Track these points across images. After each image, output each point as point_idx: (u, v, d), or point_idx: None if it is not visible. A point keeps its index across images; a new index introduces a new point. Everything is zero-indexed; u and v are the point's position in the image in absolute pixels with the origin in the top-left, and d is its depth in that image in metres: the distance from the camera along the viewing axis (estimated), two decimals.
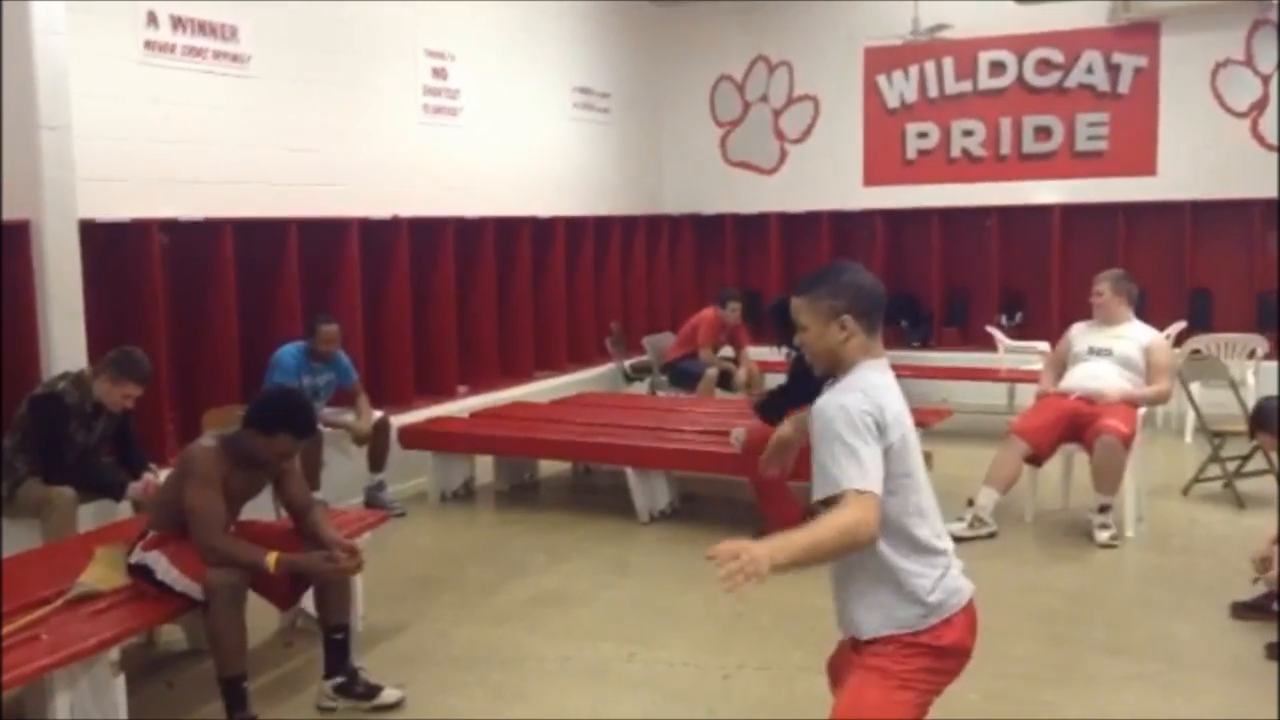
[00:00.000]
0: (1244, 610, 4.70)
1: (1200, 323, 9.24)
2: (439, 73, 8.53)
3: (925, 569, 2.53)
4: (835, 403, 2.48)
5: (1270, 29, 9.28)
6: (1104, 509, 5.84)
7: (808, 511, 2.50)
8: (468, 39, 8.77)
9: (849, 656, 2.65)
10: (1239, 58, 9.45)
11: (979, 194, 10.38)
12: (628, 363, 9.82)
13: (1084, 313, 9.75)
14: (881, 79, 10.77)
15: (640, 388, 9.68)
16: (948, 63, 10.46)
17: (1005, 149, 10.38)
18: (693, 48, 11.45)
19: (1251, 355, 8.33)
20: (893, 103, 10.75)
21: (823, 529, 2.35)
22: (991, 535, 5.94)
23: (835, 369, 2.59)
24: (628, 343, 10.04)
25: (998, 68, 10.33)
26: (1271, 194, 9.23)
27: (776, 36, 11.15)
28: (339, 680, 4.00)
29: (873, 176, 10.89)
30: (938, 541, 2.56)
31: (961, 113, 10.50)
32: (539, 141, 9.69)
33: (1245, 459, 6.65)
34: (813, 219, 11.00)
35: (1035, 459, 6.06)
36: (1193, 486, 6.76)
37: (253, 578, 3.82)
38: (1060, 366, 6.40)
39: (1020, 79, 10.26)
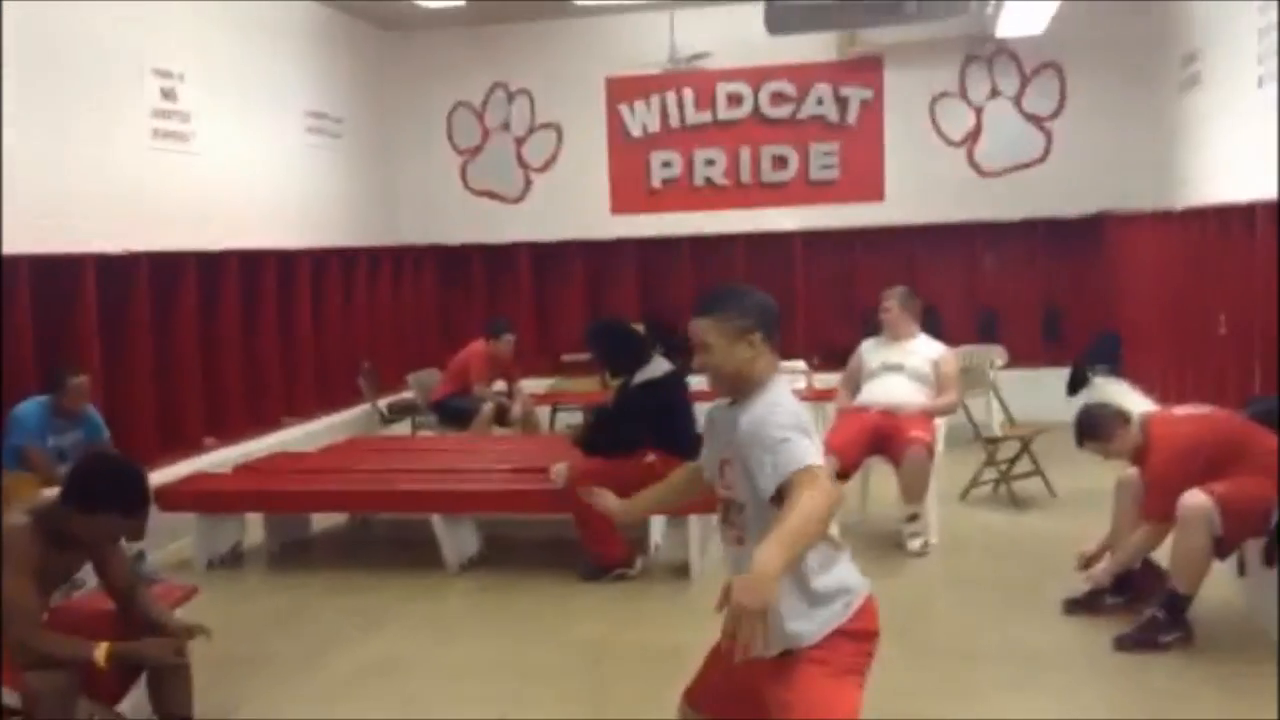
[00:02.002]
0: (1075, 606, 4.93)
1: (933, 338, 9.80)
2: (168, 94, 7.75)
3: (836, 562, 2.58)
4: (763, 408, 2.51)
5: (981, 64, 10.06)
6: (913, 518, 6.02)
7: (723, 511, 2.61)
8: (197, 57, 8.03)
9: (744, 674, 2.52)
10: (954, 90, 10.18)
11: (723, 221, 10.62)
12: (383, 403, 9.29)
13: (826, 334, 10.36)
14: (624, 108, 10.82)
15: (400, 429, 9.17)
16: (688, 93, 10.66)
17: (746, 177, 10.68)
18: (427, 73, 11.08)
19: (992, 366, 8.93)
20: (636, 132, 10.83)
21: (799, 519, 2.29)
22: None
23: (740, 389, 2.60)
24: (379, 382, 9.50)
25: (735, 99, 10.62)
26: (987, 217, 9.99)
27: (515, 64, 10.97)
28: None
29: (620, 205, 10.92)
30: (836, 536, 2.64)
31: (703, 142, 10.72)
32: (274, 168, 9.04)
33: (1012, 462, 7.08)
34: (564, 248, 10.88)
35: (843, 473, 6.16)
36: (970, 491, 7.12)
37: (81, 677, 3.18)
38: (854, 382, 6.57)
39: (756, 110, 10.60)
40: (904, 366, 6.35)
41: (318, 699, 4.47)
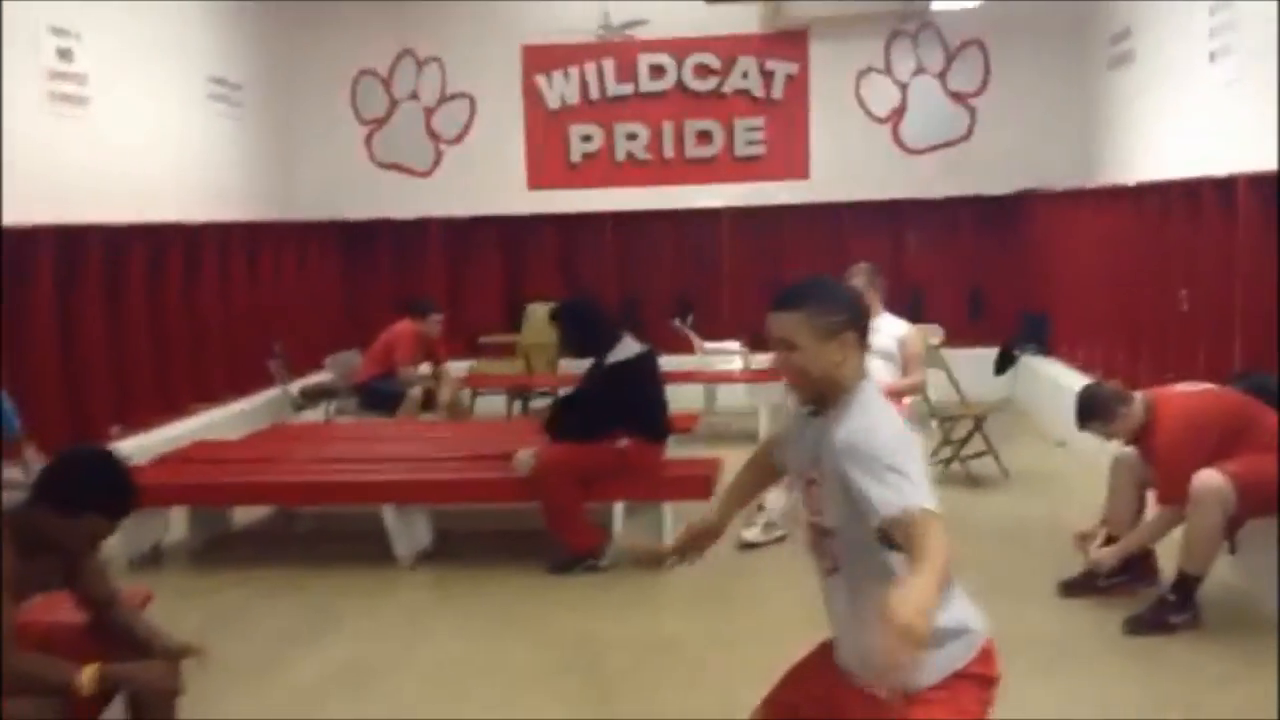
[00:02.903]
0: (1072, 588, 4.83)
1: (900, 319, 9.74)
2: (65, 54, 7.07)
3: (953, 598, 2.29)
4: (862, 424, 2.21)
5: (906, 39, 9.98)
6: None
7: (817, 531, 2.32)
8: (94, 14, 7.35)
9: (846, 706, 2.34)
10: (879, 66, 10.09)
11: (646, 198, 10.32)
12: (295, 386, 8.74)
13: (753, 314, 10.14)
14: (541, 79, 10.42)
15: (314, 415, 8.64)
16: (608, 64, 10.32)
17: (669, 153, 10.40)
18: (330, 39, 10.46)
19: (927, 344, 8.85)
20: (554, 103, 10.44)
21: (939, 560, 1.99)
22: (781, 539, 5.77)
23: (826, 396, 2.30)
24: (291, 364, 8.94)
25: (658, 71, 10.33)
26: (913, 195, 9.95)
27: (424, 31, 10.44)
28: None
29: (538, 179, 10.52)
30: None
31: (624, 115, 10.40)
32: (174, 137, 8.40)
33: (965, 441, 7.00)
34: (478, 225, 10.44)
35: None
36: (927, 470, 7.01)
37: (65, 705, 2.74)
38: None
39: (680, 83, 10.33)
40: (870, 346, 6.16)
41: (286, 708, 4.06)
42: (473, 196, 10.41)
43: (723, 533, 2.72)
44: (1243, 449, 4.38)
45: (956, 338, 9.44)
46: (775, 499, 5.79)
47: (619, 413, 5.36)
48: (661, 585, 5.29)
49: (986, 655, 2.29)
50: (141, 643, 2.98)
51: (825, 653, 2.47)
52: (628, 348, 5.46)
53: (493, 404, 9.46)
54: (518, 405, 9.58)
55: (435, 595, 5.28)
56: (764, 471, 2.74)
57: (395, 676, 4.34)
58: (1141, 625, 4.40)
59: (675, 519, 5.53)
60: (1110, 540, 4.67)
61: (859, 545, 2.22)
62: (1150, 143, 7.89)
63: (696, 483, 5.44)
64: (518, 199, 10.49)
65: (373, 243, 10.56)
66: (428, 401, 8.06)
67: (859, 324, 2.32)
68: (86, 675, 2.73)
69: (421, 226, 10.48)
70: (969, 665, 2.26)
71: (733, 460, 6.14)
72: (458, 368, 9.17)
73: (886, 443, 2.17)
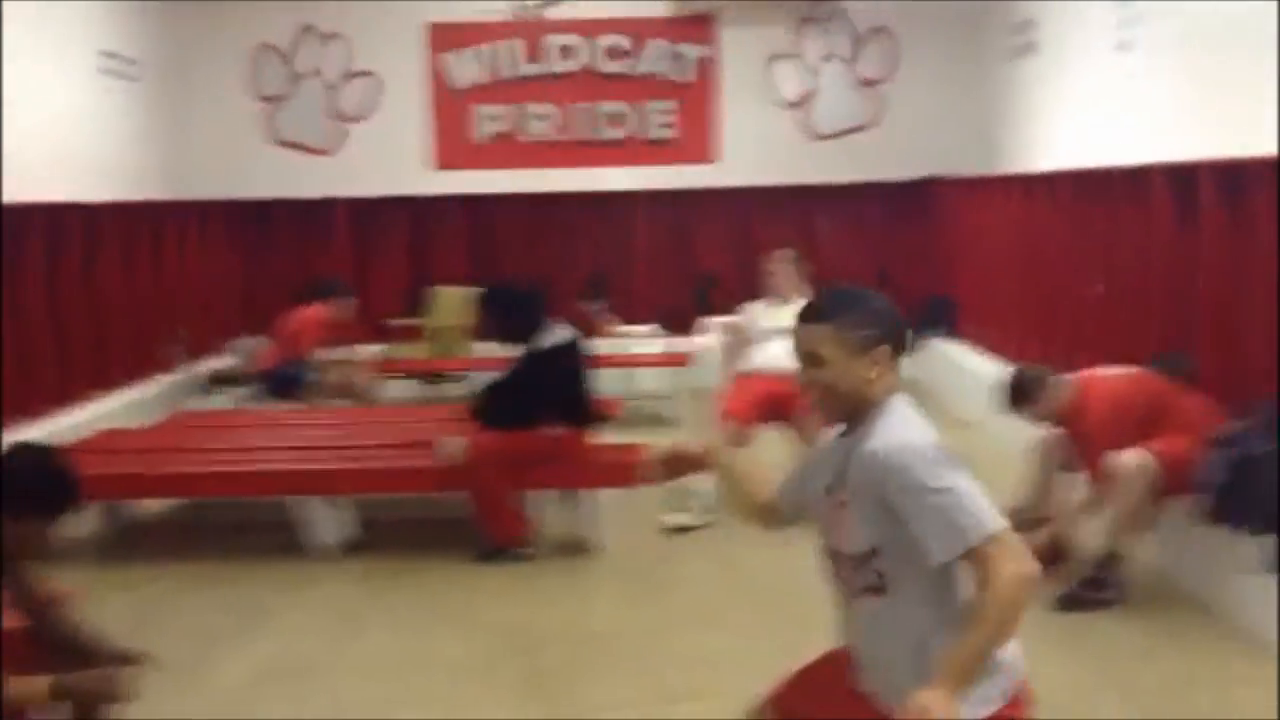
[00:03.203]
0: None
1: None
2: None
3: None
4: (892, 441, 2.09)
5: (817, 25, 10.04)
6: None
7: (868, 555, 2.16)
8: None
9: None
10: (790, 51, 10.14)
11: (555, 180, 10.21)
12: (202, 370, 8.44)
13: (665, 297, 10.18)
14: (448, 57, 10.22)
15: (222, 401, 8.36)
16: (517, 44, 10.17)
17: (579, 134, 10.30)
18: (228, 12, 10.07)
19: None
20: (461, 83, 10.25)
21: (998, 611, 1.97)
22: (711, 523, 5.77)
23: (851, 414, 2.19)
24: (192, 349, 8.63)
25: (567, 51, 10.21)
26: (822, 179, 10.03)
27: (327, 6, 10.14)
28: None
29: (445, 160, 10.32)
30: None
31: (533, 96, 10.25)
32: (64, 112, 8.00)
33: None
34: (383, 206, 10.21)
35: (741, 441, 5.99)
36: None
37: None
38: (742, 347, 6.40)
39: (590, 64, 10.23)
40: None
41: (219, 709, 3.92)
42: (377, 176, 10.17)
43: (707, 468, 2.59)
44: (1164, 430, 4.53)
45: None
46: (702, 483, 5.79)
47: (549, 400, 5.29)
48: (592, 573, 5.26)
49: (1020, 700, 2.19)
50: (85, 649, 2.83)
51: (839, 665, 2.36)
52: (557, 334, 5.39)
53: (403, 389, 9.30)
54: (429, 390, 9.44)
55: (362, 587, 5.15)
56: (769, 507, 2.52)
57: (329, 673, 4.22)
58: (1069, 602, 4.51)
59: (594, 505, 5.51)
60: (1034, 522, 4.75)
61: (908, 560, 2.10)
62: (1053, 132, 8.07)
63: (626, 470, 5.40)
64: (424, 179, 10.28)
65: (274, 223, 10.25)
66: (339, 387, 7.86)
67: (894, 337, 2.18)
68: (43, 686, 2.57)
69: (325, 207, 10.20)
70: (1002, 709, 2.14)
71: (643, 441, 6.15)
72: (366, 352, 8.98)
73: (928, 462, 2.06)
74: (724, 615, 4.65)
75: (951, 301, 9.39)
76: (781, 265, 6.34)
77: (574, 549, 5.50)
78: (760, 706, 2.51)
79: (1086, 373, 4.84)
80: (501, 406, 5.30)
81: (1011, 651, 2.17)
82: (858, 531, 2.16)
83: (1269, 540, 4.02)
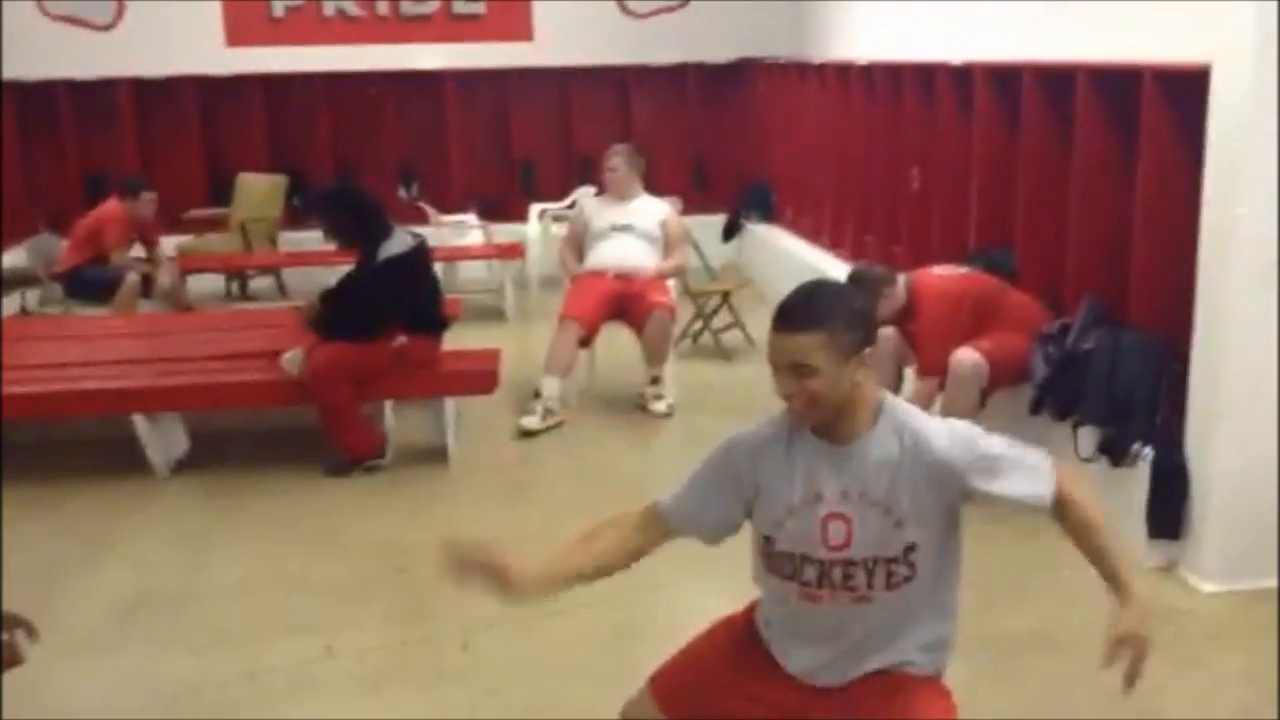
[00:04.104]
0: None
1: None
2: None
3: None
4: (953, 438, 2.15)
5: None
6: (656, 380, 6.04)
7: None
8: None
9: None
10: None
11: (360, 58, 9.74)
12: None
13: (482, 184, 9.97)
14: None
15: (11, 303, 7.76)
16: None
17: (383, 9, 9.82)
18: None
19: None
20: None
21: (1102, 525, 2.22)
22: (560, 424, 5.83)
23: (838, 419, 2.12)
24: None
25: None
26: (637, 60, 9.94)
27: None
28: None
29: (237, 36, 9.67)
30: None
31: None
32: None
33: (714, 315, 7.27)
34: (172, 86, 9.53)
35: (585, 341, 6.04)
36: (679, 343, 7.23)
37: None
38: (579, 243, 6.39)
39: None
40: (633, 227, 6.24)
41: (85, 647, 3.74)
42: (163, 54, 9.45)
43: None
44: (993, 327, 4.82)
45: (685, 207, 9.68)
46: (550, 385, 5.83)
47: (396, 309, 5.16)
48: (451, 482, 5.25)
49: None
50: None
51: (739, 647, 2.35)
52: (401, 240, 5.23)
53: (207, 284, 8.84)
54: (235, 287, 9.04)
55: (210, 509, 4.96)
56: (643, 530, 2.36)
57: (194, 601, 4.09)
58: None
59: (455, 411, 5.47)
60: None
61: (940, 549, 2.21)
62: (871, 20, 8.20)
63: (481, 377, 5.38)
64: (215, 58, 9.63)
65: (52, 107, 9.40)
66: (145, 289, 7.41)
67: (873, 336, 2.14)
68: None
69: (107, 88, 9.43)
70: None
71: (477, 339, 6.09)
72: (167, 247, 8.46)
73: (976, 434, 2.17)
74: (589, 519, 4.70)
75: (768, 188, 9.57)
76: (619, 160, 6.30)
77: (427, 458, 5.45)
78: (645, 701, 2.40)
79: (920, 272, 5.07)
80: (344, 317, 5.12)
81: None
82: (891, 534, 2.13)
83: (1089, 431, 4.39)
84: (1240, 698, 3.35)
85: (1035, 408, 4.67)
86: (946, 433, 2.16)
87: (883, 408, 2.16)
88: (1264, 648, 3.57)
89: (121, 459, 5.27)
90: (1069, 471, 2.24)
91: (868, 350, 2.10)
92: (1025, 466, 2.17)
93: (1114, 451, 4.28)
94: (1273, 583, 3.87)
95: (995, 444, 2.18)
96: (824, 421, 2.13)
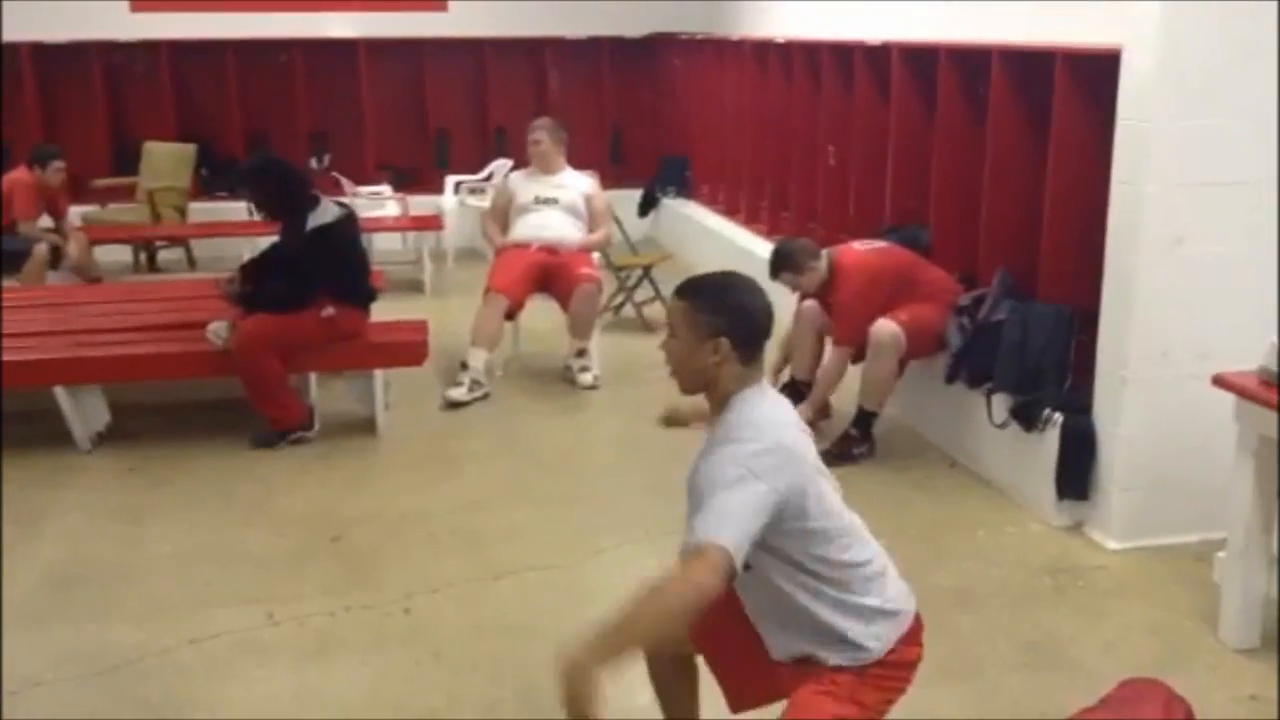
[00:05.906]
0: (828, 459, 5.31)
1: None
2: None
3: (889, 574, 2.37)
4: (724, 442, 2.18)
5: None
6: (582, 353, 6.11)
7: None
8: None
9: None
10: None
11: (269, 25, 9.59)
12: None
13: (397, 156, 9.89)
14: None
15: None
16: None
17: None
18: None
19: None
20: None
21: (643, 606, 2.00)
22: (486, 396, 5.88)
23: (700, 390, 2.32)
24: None
25: None
26: (554, 33, 9.95)
27: None
28: None
29: (141, 1, 9.44)
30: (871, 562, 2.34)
31: None
32: None
33: (635, 287, 7.37)
34: (75, 52, 9.26)
35: (510, 313, 6.09)
36: (601, 315, 7.30)
37: None
38: (503, 216, 6.43)
39: None
40: (558, 200, 6.30)
41: (20, 623, 3.70)
42: (64, 18, 9.19)
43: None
44: (910, 300, 5.01)
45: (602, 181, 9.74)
46: (477, 356, 5.87)
47: (326, 279, 5.15)
48: (382, 453, 5.27)
49: (906, 641, 2.34)
50: None
51: (738, 632, 2.44)
52: (327, 210, 5.21)
53: (114, 255, 8.65)
54: (144, 258, 8.87)
55: (137, 483, 4.91)
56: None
57: (131, 575, 4.07)
58: (830, 458, 4.94)
59: (384, 380, 5.49)
60: (796, 382, 5.21)
61: (759, 583, 2.27)
62: (779, 2, 8.32)
63: (410, 348, 5.41)
64: (119, 22, 9.41)
65: None
66: (54, 259, 7.24)
67: (735, 334, 2.23)
68: None
69: (7, 53, 9.11)
70: (885, 654, 2.29)
71: (396, 311, 6.09)
72: (74, 217, 8.26)
73: (735, 465, 2.11)
74: (524, 488, 4.82)
75: (685, 162, 9.68)
76: (543, 134, 6.35)
77: (356, 429, 5.46)
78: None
79: (842, 247, 5.24)
80: (270, 289, 5.10)
81: (897, 596, 2.34)
82: None
83: (1002, 398, 4.60)
84: (1145, 646, 3.58)
85: (950, 376, 4.88)
86: (722, 452, 2.17)
87: (729, 403, 2.26)
88: (1166, 600, 3.82)
89: (38, 433, 5.20)
90: (704, 571, 2.00)
91: (726, 341, 2.22)
92: (706, 514, 2.08)
93: (1026, 417, 4.49)
94: (1174, 539, 4.13)
95: (729, 484, 2.10)
96: (691, 388, 2.33)
